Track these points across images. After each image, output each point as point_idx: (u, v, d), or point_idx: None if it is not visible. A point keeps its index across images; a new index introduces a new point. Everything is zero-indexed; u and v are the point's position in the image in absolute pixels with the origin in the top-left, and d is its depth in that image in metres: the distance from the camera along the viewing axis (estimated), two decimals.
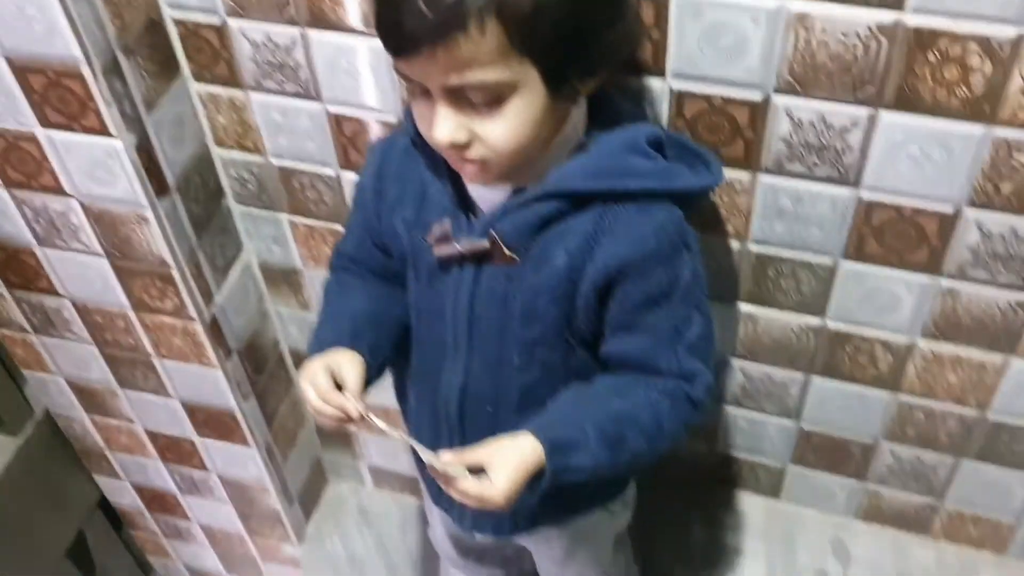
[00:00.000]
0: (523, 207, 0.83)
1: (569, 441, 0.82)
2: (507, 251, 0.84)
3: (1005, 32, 0.80)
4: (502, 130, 0.76)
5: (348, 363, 0.88)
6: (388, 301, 0.97)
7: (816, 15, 0.84)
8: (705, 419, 1.32)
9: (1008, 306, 1.01)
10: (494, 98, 0.75)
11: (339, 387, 0.87)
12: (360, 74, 1.04)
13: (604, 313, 0.87)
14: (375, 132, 1.10)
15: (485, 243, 0.84)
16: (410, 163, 0.90)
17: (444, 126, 0.76)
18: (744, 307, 1.14)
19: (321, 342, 0.92)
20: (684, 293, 0.85)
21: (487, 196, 0.86)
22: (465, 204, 0.87)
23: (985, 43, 0.81)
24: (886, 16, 0.82)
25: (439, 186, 0.87)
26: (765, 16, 0.85)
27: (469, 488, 0.80)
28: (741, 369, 1.23)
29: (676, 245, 0.84)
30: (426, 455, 0.81)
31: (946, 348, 1.09)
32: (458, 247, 0.85)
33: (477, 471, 0.80)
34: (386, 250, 0.95)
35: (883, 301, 1.06)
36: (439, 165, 0.87)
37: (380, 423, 0.83)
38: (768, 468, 1.38)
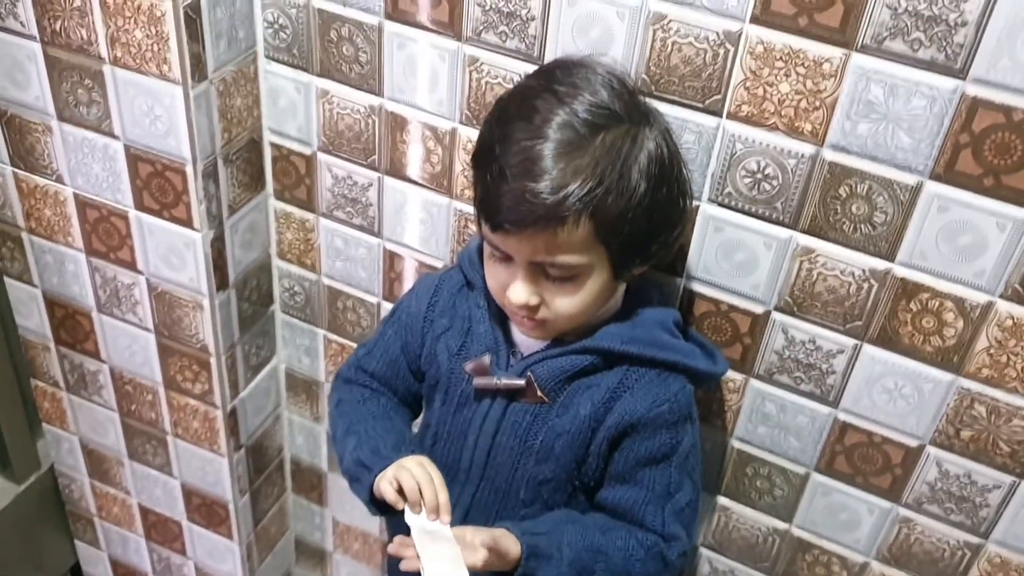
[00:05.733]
0: (561, 356, 0.95)
1: (545, 553, 0.90)
2: (539, 392, 0.95)
3: (978, 297, 0.93)
4: (570, 302, 0.90)
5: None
6: (405, 423, 1.07)
7: (820, 251, 0.97)
8: None
9: (956, 543, 1.09)
10: (570, 276, 0.88)
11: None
12: (420, 223, 1.18)
13: (609, 463, 0.96)
14: (420, 272, 1.23)
15: (522, 382, 0.96)
16: (461, 301, 1.02)
17: (522, 292, 0.89)
18: (721, 499, 1.23)
19: (374, 454, 0.97)
20: (681, 460, 0.96)
21: (528, 342, 0.98)
22: (507, 344, 0.99)
23: (960, 303, 0.94)
24: (879, 264, 0.95)
25: (486, 326, 0.99)
26: (776, 244, 0.99)
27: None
28: (709, 560, 1.30)
29: (683, 415, 0.96)
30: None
31: (896, 575, 1.16)
32: (496, 381, 0.96)
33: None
34: (417, 374, 1.06)
35: (845, 518, 1.14)
36: (487, 308, 0.99)
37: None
38: None
